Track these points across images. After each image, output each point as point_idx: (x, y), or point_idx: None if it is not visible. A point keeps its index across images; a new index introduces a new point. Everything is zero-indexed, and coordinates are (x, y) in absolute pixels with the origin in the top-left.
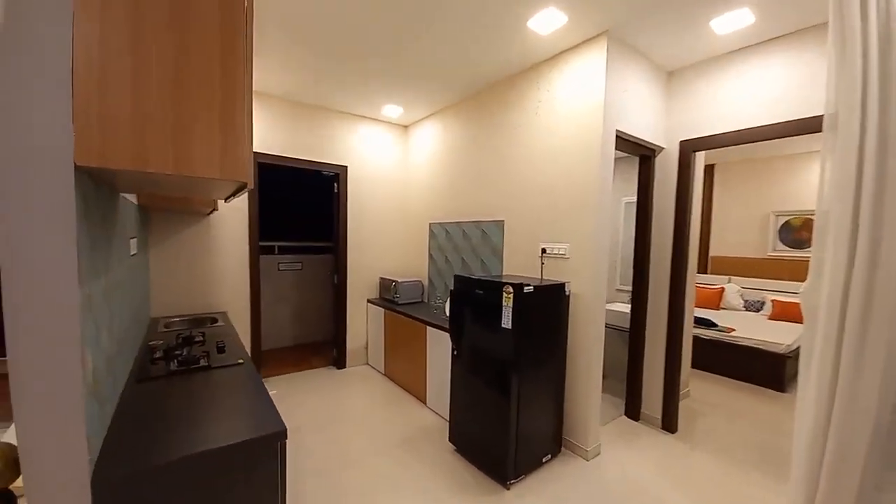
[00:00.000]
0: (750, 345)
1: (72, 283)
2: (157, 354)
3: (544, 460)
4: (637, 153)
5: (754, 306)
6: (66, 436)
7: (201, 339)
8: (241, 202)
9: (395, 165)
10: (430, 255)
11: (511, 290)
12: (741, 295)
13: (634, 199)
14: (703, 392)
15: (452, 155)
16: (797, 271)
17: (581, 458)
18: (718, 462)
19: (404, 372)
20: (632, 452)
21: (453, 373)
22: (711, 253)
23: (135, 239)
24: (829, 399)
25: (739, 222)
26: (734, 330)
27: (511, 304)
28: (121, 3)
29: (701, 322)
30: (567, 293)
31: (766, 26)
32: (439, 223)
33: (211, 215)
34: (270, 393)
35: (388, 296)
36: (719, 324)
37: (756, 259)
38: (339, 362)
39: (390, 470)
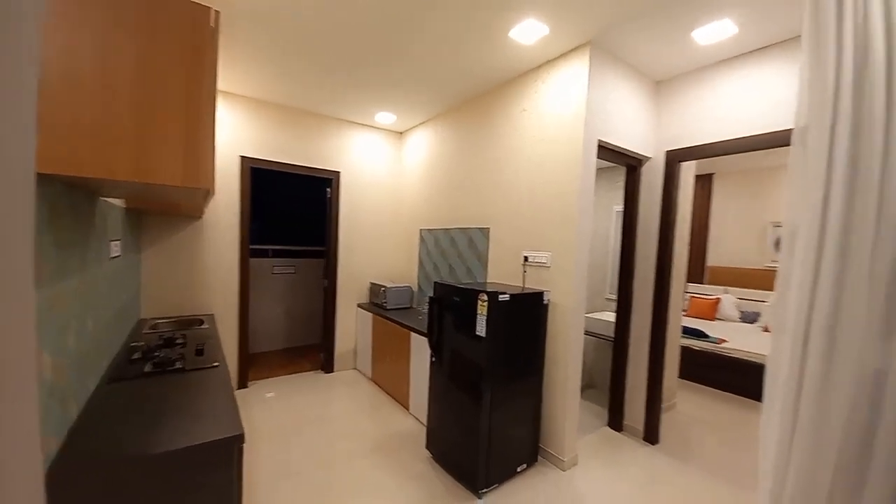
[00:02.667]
0: (740, 357)
1: (27, 285)
2: (136, 355)
3: (519, 469)
4: (623, 163)
5: (749, 318)
6: (16, 435)
7: (182, 341)
8: (234, 206)
9: (389, 172)
10: (420, 261)
11: (486, 298)
12: (737, 306)
13: None
14: (690, 404)
15: (443, 162)
16: None
17: (557, 469)
18: (696, 476)
19: (389, 377)
20: (609, 464)
21: (432, 380)
22: (709, 263)
23: (118, 241)
24: (793, 422)
25: (737, 232)
26: (726, 341)
27: (486, 312)
28: (89, 8)
29: (691, 333)
30: (546, 302)
31: (748, 38)
32: (429, 229)
33: (203, 218)
34: (267, 395)
35: (378, 301)
36: (711, 335)
37: (753, 270)
38: (328, 366)
39: (363, 475)
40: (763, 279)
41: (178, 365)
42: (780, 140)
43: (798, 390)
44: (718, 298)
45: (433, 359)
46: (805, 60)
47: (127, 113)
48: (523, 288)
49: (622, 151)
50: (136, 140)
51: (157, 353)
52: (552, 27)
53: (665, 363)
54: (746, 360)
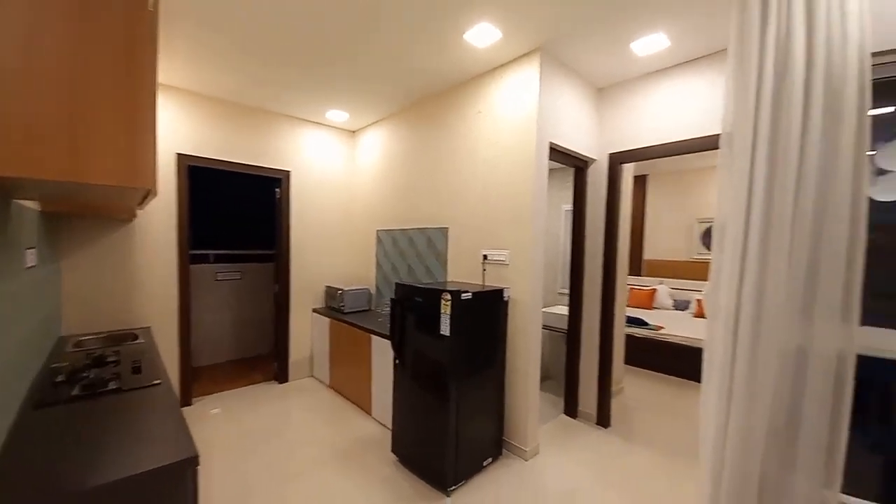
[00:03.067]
0: (675, 342)
1: None
2: (60, 378)
3: (485, 464)
4: (572, 164)
5: (682, 305)
6: None
7: (115, 358)
8: (170, 208)
9: (342, 171)
10: (378, 263)
11: (449, 297)
12: (671, 295)
13: None
14: (635, 387)
15: (399, 162)
16: None
17: (520, 459)
18: (645, 453)
19: (349, 383)
20: (567, 449)
21: (395, 382)
22: (646, 256)
23: (33, 250)
24: (728, 396)
25: (669, 228)
26: (662, 328)
27: (449, 311)
28: None
29: (633, 321)
30: (506, 299)
31: (680, 50)
32: (386, 230)
33: (135, 222)
34: (212, 412)
35: (334, 304)
36: (650, 323)
37: (683, 262)
38: (281, 376)
39: (327, 484)
40: (691, 270)
41: (112, 385)
42: (709, 144)
43: (731, 369)
44: (655, 289)
45: (396, 361)
46: (730, 72)
47: (57, 103)
48: (483, 286)
49: (571, 154)
50: (68, 133)
51: (85, 374)
52: (505, 32)
53: (613, 351)
54: (681, 345)
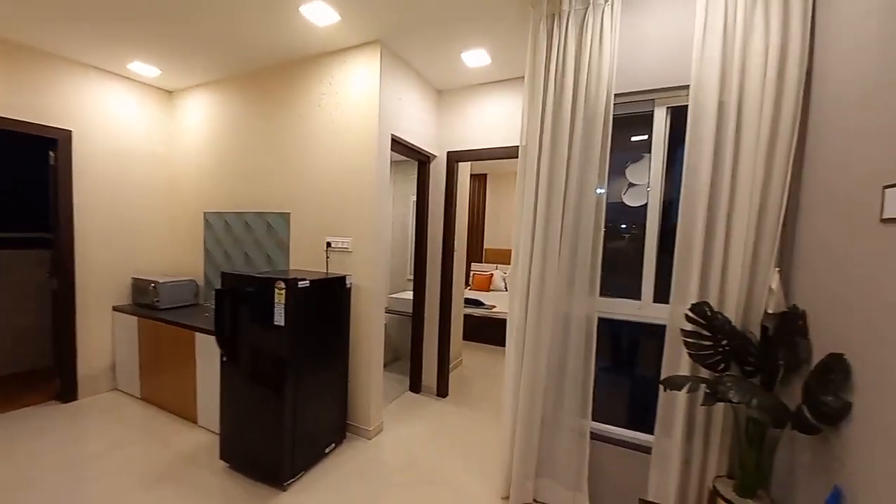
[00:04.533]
0: (503, 318)
1: None
2: None
3: (327, 450)
4: (416, 158)
5: None
6: None
7: None
8: None
9: (158, 139)
10: (207, 250)
11: (283, 285)
12: (503, 278)
13: None
14: (473, 360)
15: (233, 136)
16: None
17: (364, 439)
18: (472, 414)
19: (168, 391)
20: (409, 421)
21: (223, 381)
22: (486, 245)
23: None
24: (521, 353)
25: (504, 221)
26: (495, 307)
27: (283, 300)
28: None
29: (471, 303)
30: (348, 286)
31: (498, 69)
32: (217, 212)
33: None
34: None
35: (146, 300)
36: (486, 303)
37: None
38: (68, 394)
39: None
40: None
41: None
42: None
43: (523, 331)
44: (491, 274)
45: (224, 359)
46: (526, 97)
47: None
48: (327, 273)
49: (413, 147)
50: None
51: None
52: (342, 15)
53: (451, 330)
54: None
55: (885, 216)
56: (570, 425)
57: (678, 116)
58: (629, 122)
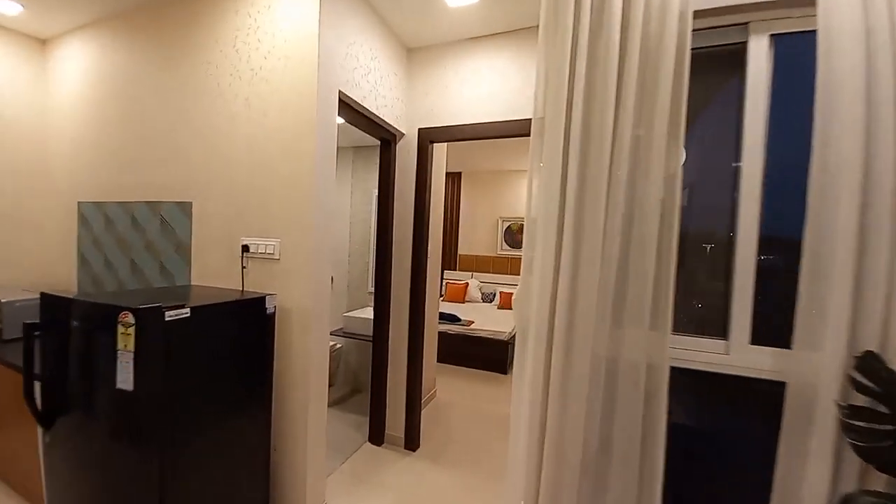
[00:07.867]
0: (483, 335)
1: None
2: None
3: None
4: (377, 135)
5: (489, 298)
6: None
7: None
8: None
9: (23, 102)
10: (82, 255)
11: (131, 320)
12: (480, 288)
13: None
14: (448, 390)
15: (118, 95)
16: (517, 267)
17: None
18: (458, 474)
19: (3, 457)
20: (366, 496)
21: (47, 472)
22: (459, 252)
23: None
24: (539, 439)
25: (479, 225)
26: (473, 322)
27: (133, 346)
28: None
29: (446, 318)
30: (271, 310)
31: (489, 16)
32: (95, 202)
33: None
34: None
35: None
36: (462, 318)
37: (490, 257)
38: None
39: None
40: (497, 264)
41: None
42: (520, 129)
43: (542, 390)
44: (467, 283)
45: (46, 439)
46: (542, 53)
47: None
48: (243, 292)
49: (373, 118)
50: None
51: None
52: None
53: (424, 355)
54: (489, 338)
55: None
56: None
57: (786, 50)
58: (703, 64)
